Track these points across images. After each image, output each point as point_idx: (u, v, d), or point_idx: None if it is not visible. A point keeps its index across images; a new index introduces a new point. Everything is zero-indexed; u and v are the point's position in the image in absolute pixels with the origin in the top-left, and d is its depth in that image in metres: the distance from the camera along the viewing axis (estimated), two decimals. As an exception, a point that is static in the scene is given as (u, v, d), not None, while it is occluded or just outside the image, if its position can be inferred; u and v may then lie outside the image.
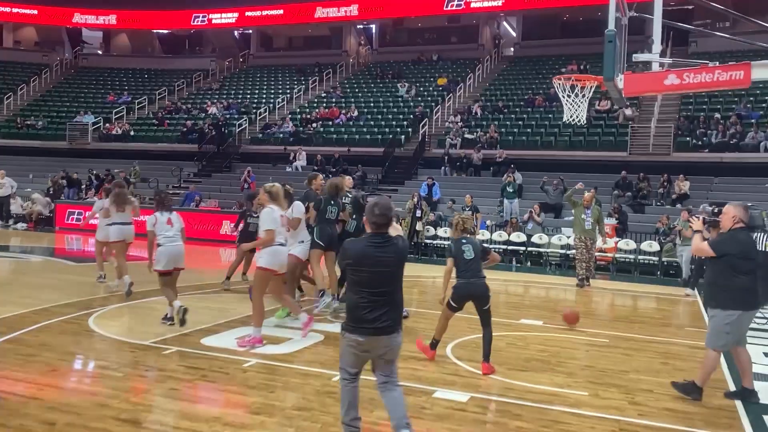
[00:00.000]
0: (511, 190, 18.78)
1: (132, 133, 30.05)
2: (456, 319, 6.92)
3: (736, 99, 23.76)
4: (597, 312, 10.99)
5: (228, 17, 38.22)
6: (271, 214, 7.09)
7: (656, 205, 18.76)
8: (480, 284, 6.50)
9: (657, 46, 7.80)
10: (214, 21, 38.45)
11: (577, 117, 9.91)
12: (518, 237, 16.22)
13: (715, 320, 5.87)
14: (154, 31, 41.09)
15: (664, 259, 14.94)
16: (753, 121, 21.54)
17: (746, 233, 5.95)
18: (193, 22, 38.76)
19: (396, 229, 5.29)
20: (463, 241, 6.59)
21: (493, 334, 6.53)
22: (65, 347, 6.85)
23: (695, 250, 6.21)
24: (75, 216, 20.25)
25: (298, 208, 8.34)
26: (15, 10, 38.40)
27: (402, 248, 4.35)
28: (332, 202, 8.79)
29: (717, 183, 19.73)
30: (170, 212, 8.26)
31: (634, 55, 8.28)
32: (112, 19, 39.45)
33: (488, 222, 18.01)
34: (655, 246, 15.28)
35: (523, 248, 16.29)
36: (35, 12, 38.76)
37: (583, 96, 9.90)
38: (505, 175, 20.15)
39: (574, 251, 13.85)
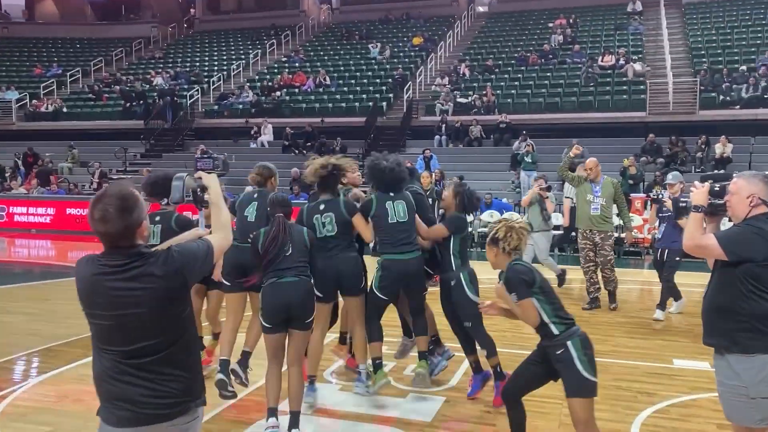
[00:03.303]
0: (529, 160, 15.83)
1: (65, 110, 25.93)
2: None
3: (753, 49, 21.35)
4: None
5: (168, -24, 34.01)
6: None
7: (695, 172, 16.12)
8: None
9: None
10: (152, -19, 34.19)
11: None
12: (556, 219, 13.25)
13: (737, 378, 3.18)
14: (84, -5, 36.52)
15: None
16: (781, 72, 19.17)
17: None
18: (129, -18, 34.40)
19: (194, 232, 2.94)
20: None
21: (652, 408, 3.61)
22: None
23: (691, 247, 3.33)
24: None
25: None
26: None
27: (169, 273, 2.44)
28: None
29: (756, 144, 17.28)
30: None
31: None
32: (33, -18, 34.68)
33: (506, 200, 15.11)
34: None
35: (561, 232, 13.31)
36: (-59, -25, 33.75)
37: None
38: (519, 143, 17.39)
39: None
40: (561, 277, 9.46)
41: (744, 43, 22.05)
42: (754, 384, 3.12)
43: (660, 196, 8.03)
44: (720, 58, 21.22)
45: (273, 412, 4.33)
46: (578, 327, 3.73)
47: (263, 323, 4.41)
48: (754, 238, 3.18)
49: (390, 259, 4.89)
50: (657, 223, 8.05)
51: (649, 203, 11.14)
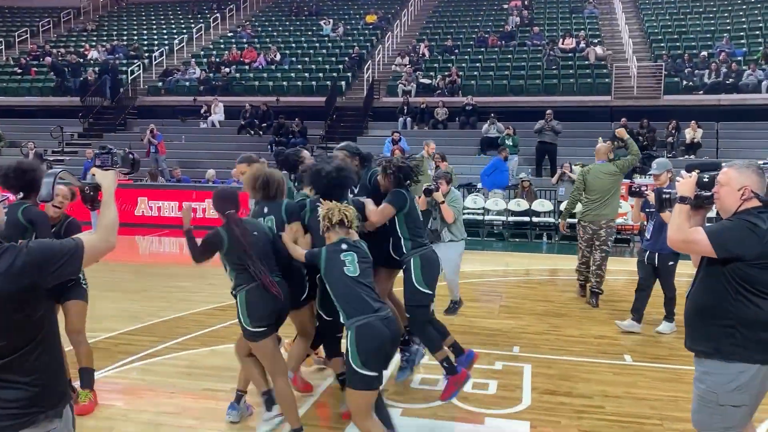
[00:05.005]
0: (510, 143, 15.33)
1: (-12, 84, 23.80)
2: None
3: (709, 35, 21.58)
4: None
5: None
6: None
7: (668, 157, 16.04)
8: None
9: None
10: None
11: None
12: (542, 205, 12.85)
13: (709, 381, 2.98)
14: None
15: None
16: (739, 58, 19.40)
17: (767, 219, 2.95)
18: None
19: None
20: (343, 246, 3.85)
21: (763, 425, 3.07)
22: None
23: (676, 241, 2.99)
24: None
25: None
26: None
27: (12, 271, 2.17)
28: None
29: (721, 129, 17.39)
30: None
31: None
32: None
33: (480, 185, 14.59)
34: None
35: (551, 220, 12.89)
36: None
37: None
38: (487, 126, 16.94)
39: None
40: (453, 305, 7.27)
41: (699, 29, 22.26)
42: (726, 392, 2.91)
43: (642, 188, 6.77)
44: (678, 44, 21.34)
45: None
46: (365, 318, 3.62)
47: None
48: (747, 234, 2.86)
49: None
50: (645, 222, 6.90)
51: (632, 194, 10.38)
